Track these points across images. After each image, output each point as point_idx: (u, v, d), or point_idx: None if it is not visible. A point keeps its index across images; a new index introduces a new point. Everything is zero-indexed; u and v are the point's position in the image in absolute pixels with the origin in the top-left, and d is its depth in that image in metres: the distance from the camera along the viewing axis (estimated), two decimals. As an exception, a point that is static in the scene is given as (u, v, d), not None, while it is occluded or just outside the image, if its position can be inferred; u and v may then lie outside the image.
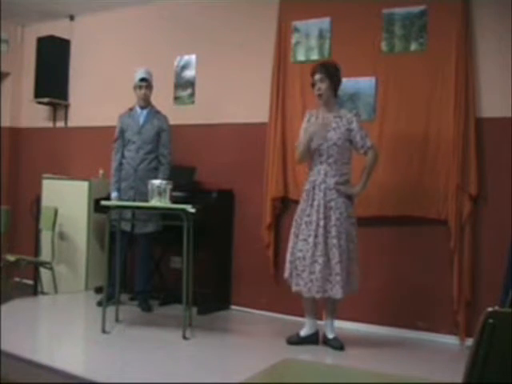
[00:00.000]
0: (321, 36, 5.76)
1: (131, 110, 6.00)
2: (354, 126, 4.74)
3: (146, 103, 5.93)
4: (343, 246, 4.65)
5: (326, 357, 4.70)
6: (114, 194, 5.87)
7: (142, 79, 5.87)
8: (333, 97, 4.86)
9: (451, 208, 5.04)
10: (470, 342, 4.94)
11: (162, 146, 5.88)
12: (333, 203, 4.68)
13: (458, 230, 5.02)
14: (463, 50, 5.04)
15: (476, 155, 5.00)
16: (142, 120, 5.90)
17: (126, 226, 5.74)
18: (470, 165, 5.01)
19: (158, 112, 5.97)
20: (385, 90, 5.41)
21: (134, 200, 5.73)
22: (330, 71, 4.82)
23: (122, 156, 5.91)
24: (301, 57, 5.85)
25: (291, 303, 5.62)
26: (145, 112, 5.93)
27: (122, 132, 5.92)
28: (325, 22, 5.75)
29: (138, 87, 5.89)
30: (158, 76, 6.15)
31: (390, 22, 5.42)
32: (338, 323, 5.51)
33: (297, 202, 5.69)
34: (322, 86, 4.79)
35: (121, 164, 5.91)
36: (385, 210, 5.34)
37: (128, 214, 5.71)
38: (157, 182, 4.92)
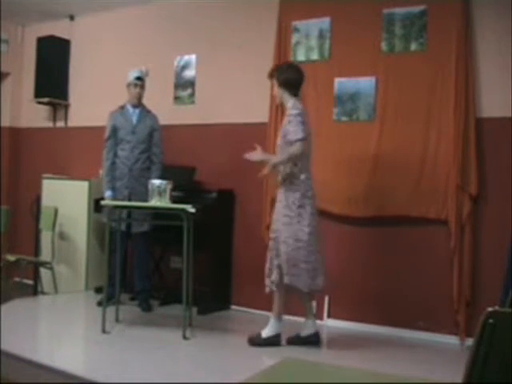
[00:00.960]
0: (321, 36, 5.76)
1: (122, 108, 5.99)
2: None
3: (138, 102, 5.94)
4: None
5: (326, 357, 4.70)
6: (108, 193, 5.84)
7: (138, 78, 5.89)
8: (286, 95, 4.82)
9: (451, 208, 5.04)
10: (470, 341, 4.95)
11: (154, 145, 5.90)
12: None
13: (458, 229, 5.02)
14: (463, 50, 5.04)
15: (476, 155, 5.00)
16: (135, 119, 5.90)
17: (122, 226, 5.73)
18: (470, 165, 5.01)
19: (149, 111, 5.99)
20: (385, 89, 5.41)
21: (130, 199, 5.74)
22: (274, 74, 4.87)
23: (115, 155, 5.92)
24: (301, 57, 5.85)
25: (291, 303, 5.62)
26: (137, 111, 5.94)
27: (115, 130, 5.91)
28: (325, 22, 5.75)
29: (132, 85, 5.90)
30: (158, 76, 6.15)
31: (390, 22, 5.42)
32: (339, 323, 5.53)
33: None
34: (274, 93, 4.92)
35: (114, 163, 5.91)
36: (384, 210, 5.34)
37: (123, 214, 5.69)
38: (157, 181, 4.92)
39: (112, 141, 5.92)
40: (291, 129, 4.64)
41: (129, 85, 5.92)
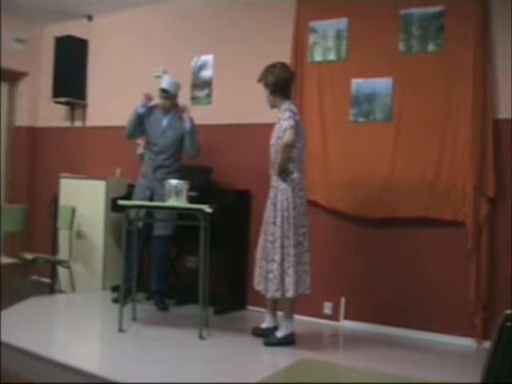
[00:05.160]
0: (338, 36, 5.75)
1: (156, 107, 5.93)
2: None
3: (165, 111, 5.88)
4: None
5: (342, 357, 4.70)
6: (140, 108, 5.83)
7: (163, 90, 5.80)
8: (277, 100, 4.88)
9: (468, 209, 5.02)
10: (486, 344, 4.93)
11: (186, 145, 5.83)
12: None
13: (475, 231, 5.00)
14: (481, 50, 5.02)
15: (493, 156, 4.98)
16: (164, 124, 5.86)
17: (139, 224, 5.72)
18: (488, 166, 4.99)
19: (181, 117, 5.85)
20: (402, 90, 5.39)
21: (151, 200, 5.75)
22: (262, 76, 4.92)
23: (146, 151, 5.95)
24: (318, 57, 5.85)
25: (307, 303, 5.62)
26: (168, 117, 5.88)
27: (147, 117, 5.88)
28: (342, 23, 5.74)
29: (159, 94, 5.83)
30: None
31: (408, 23, 5.40)
32: (355, 324, 5.53)
33: (313, 203, 5.71)
34: (266, 95, 4.93)
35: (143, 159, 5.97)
36: (400, 211, 5.32)
37: (141, 213, 5.67)
38: (173, 182, 4.93)
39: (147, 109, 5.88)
40: (285, 123, 4.70)
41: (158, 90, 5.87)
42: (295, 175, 4.76)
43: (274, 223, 4.74)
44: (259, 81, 4.95)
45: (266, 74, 4.90)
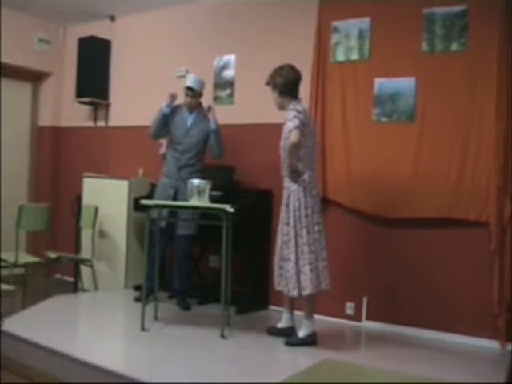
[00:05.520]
0: (361, 36, 5.73)
1: (180, 107, 5.96)
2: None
3: (190, 110, 5.91)
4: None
5: (364, 358, 4.68)
6: (165, 108, 5.86)
7: (189, 88, 5.83)
8: (286, 101, 4.92)
9: (492, 210, 4.98)
10: (510, 346, 4.90)
11: (211, 145, 5.85)
12: None
13: (499, 232, 4.95)
14: (505, 49, 4.97)
15: (517, 156, 4.94)
16: (189, 123, 5.89)
17: (162, 223, 5.74)
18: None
19: (205, 116, 5.90)
20: (425, 90, 5.36)
21: (175, 199, 5.77)
22: (271, 79, 4.98)
23: (169, 151, 5.98)
24: (341, 57, 5.83)
25: (329, 304, 5.62)
26: (193, 115, 5.91)
27: (173, 113, 5.91)
28: (365, 22, 5.72)
29: (184, 92, 5.86)
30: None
31: (431, 22, 5.37)
32: (377, 325, 5.51)
33: (336, 203, 5.71)
34: (274, 97, 4.98)
35: (165, 158, 6.00)
36: (424, 211, 5.29)
37: (163, 212, 5.69)
38: (196, 181, 4.94)
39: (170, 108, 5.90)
40: (290, 124, 4.74)
41: (184, 88, 5.89)
42: (306, 175, 4.80)
43: (288, 224, 4.79)
44: (268, 84, 5.01)
45: (274, 77, 4.95)
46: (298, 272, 4.68)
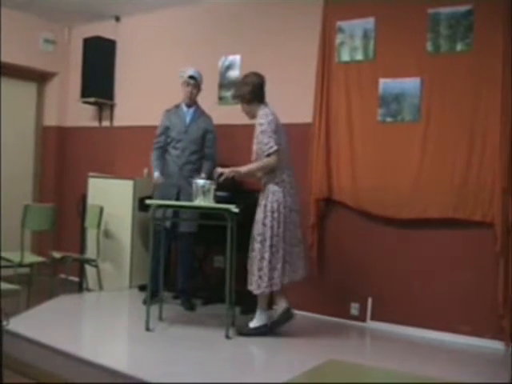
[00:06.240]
0: (365, 36, 5.72)
1: (177, 106, 6.05)
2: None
3: (191, 102, 5.98)
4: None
5: (369, 358, 4.68)
6: (156, 174, 5.94)
7: (191, 77, 5.92)
8: (255, 107, 5.03)
9: (497, 211, 4.97)
10: (515, 347, 4.90)
11: (207, 147, 5.94)
12: None
13: (504, 233, 4.94)
14: (510, 49, 4.95)
15: (523, 157, 4.93)
16: (188, 119, 5.95)
17: (167, 223, 5.76)
18: (517, 167, 4.94)
19: (203, 112, 6.03)
20: (430, 90, 5.35)
21: (178, 199, 5.78)
22: (237, 91, 5.09)
23: (167, 152, 5.99)
24: (345, 57, 5.83)
25: (335, 304, 5.62)
26: (191, 111, 5.99)
27: (167, 129, 5.98)
28: (369, 22, 5.71)
29: (185, 83, 5.95)
30: (203, 76, 6.17)
31: (436, 22, 5.36)
32: (382, 325, 5.50)
33: (341, 204, 5.71)
34: (244, 108, 5.08)
35: (165, 159, 6.00)
36: (429, 212, 5.29)
37: (168, 212, 5.71)
38: (201, 181, 4.95)
39: (162, 138, 6.00)
40: (265, 140, 4.86)
41: (182, 83, 5.99)
42: (285, 175, 4.94)
43: (264, 224, 4.87)
44: (235, 97, 5.13)
45: (240, 88, 5.08)
46: (272, 269, 4.81)
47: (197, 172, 5.83)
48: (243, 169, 4.98)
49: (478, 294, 5.11)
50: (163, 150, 6.01)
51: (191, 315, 5.69)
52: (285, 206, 4.86)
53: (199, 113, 6.02)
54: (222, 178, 4.92)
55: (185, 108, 6.00)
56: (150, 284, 5.07)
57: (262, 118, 4.90)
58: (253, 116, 5.05)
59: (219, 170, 4.95)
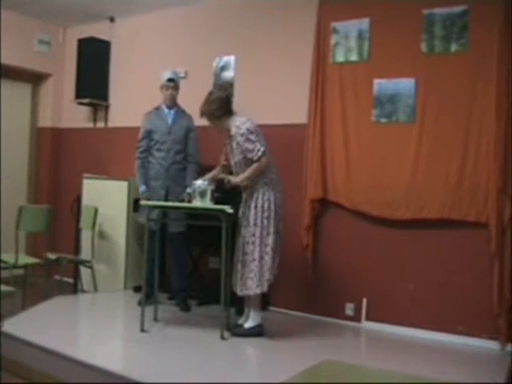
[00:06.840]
0: (360, 37, 5.73)
1: (157, 109, 6.09)
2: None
3: (172, 104, 6.03)
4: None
5: (365, 359, 4.68)
6: (142, 188, 5.95)
7: (170, 80, 5.97)
8: (225, 121, 5.02)
9: (492, 211, 4.97)
10: (510, 347, 4.90)
11: (189, 146, 5.98)
12: None
13: (499, 233, 4.95)
14: (505, 49, 4.96)
15: (517, 157, 4.94)
16: (170, 120, 5.99)
17: (155, 226, 5.75)
18: (512, 167, 4.95)
19: (183, 111, 6.08)
20: (425, 91, 5.36)
21: (166, 200, 5.79)
22: (205, 110, 5.02)
23: (151, 155, 5.99)
24: (340, 58, 5.82)
25: (330, 304, 5.62)
26: (172, 112, 6.03)
27: (149, 133, 5.99)
28: (364, 23, 5.71)
29: (164, 87, 6.00)
30: (197, 77, 6.19)
31: (430, 23, 5.36)
32: (377, 325, 5.50)
33: (336, 204, 5.71)
34: (214, 125, 5.08)
35: (148, 162, 6.00)
36: (424, 212, 5.29)
37: (156, 214, 5.69)
38: (198, 182, 4.95)
39: (145, 142, 6.00)
40: (250, 147, 4.87)
41: (162, 87, 6.03)
42: (272, 173, 4.98)
43: (255, 224, 4.88)
44: (204, 116, 5.07)
45: (207, 106, 5.03)
46: (261, 269, 4.83)
47: (182, 171, 5.91)
48: (240, 178, 4.95)
49: (473, 294, 5.11)
50: (146, 155, 6.01)
51: (186, 316, 5.68)
52: (275, 204, 4.90)
53: (180, 113, 6.07)
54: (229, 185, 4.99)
55: (166, 110, 6.04)
56: (145, 285, 5.06)
57: (240, 129, 4.89)
58: (226, 130, 5.03)
59: (231, 179, 4.98)
